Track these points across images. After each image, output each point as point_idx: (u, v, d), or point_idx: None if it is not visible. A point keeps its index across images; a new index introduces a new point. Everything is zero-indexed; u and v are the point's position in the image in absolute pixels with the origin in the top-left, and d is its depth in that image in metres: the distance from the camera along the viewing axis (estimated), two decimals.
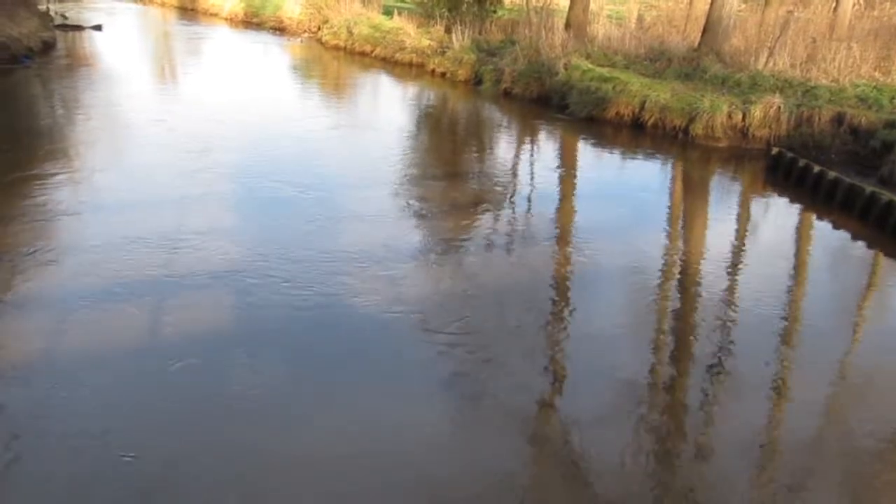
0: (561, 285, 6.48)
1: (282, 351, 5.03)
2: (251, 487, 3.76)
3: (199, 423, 4.26)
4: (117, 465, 3.87)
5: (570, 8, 16.30)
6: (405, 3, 22.97)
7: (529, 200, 8.80)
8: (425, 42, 17.43)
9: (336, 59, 19.32)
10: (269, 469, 3.88)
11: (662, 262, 7.01)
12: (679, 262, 7.04)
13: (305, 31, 22.53)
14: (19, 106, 13.74)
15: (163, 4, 32.05)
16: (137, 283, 5.82)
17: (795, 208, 9.15)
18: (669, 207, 8.99)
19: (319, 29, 21.60)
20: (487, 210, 8.21)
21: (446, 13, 18.16)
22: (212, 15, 27.96)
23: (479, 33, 17.13)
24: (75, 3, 27.18)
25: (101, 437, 4.05)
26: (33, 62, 16.59)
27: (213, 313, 5.47)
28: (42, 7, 21.82)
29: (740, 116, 11.17)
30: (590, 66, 13.50)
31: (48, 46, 18.47)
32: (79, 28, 22.96)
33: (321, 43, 20.88)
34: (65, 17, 23.15)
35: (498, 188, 9.27)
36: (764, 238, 8.12)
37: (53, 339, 5.07)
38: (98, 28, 23.18)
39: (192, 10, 29.62)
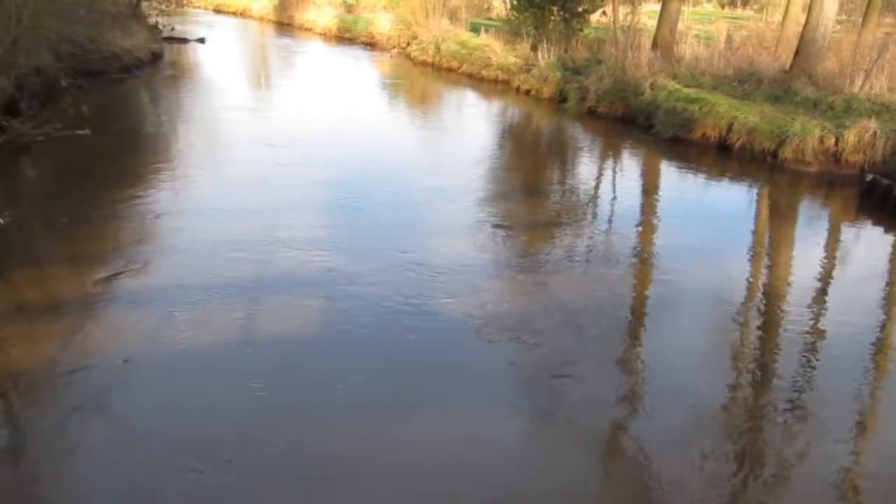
0: (640, 306, 6.59)
1: (363, 357, 5.26)
2: (328, 488, 3.98)
3: (278, 425, 4.48)
4: (194, 460, 4.14)
5: (658, 27, 16.30)
6: (492, 20, 23.40)
7: (611, 220, 8.93)
8: (511, 59, 17.76)
9: (423, 75, 19.89)
10: (342, 470, 4.09)
11: (746, 287, 7.01)
12: (763, 289, 7.03)
13: (395, 47, 23.28)
14: (129, 114, 14.78)
15: (261, 19, 33.64)
16: (231, 286, 6.22)
17: (889, 238, 8.92)
18: (755, 232, 8.94)
19: (408, 45, 22.29)
20: (568, 228, 8.39)
21: (533, 31, 18.44)
22: (307, 29, 29.18)
23: (565, 51, 17.32)
24: (181, 17, 28.75)
25: (186, 435, 4.36)
26: (142, 72, 17.72)
27: (301, 319, 5.78)
28: (151, 20, 23.27)
29: (833, 141, 10.94)
30: (676, 86, 13.48)
31: (156, 57, 19.69)
32: (184, 40, 24.39)
33: (410, 58, 21.53)
34: (172, 30, 24.62)
35: (580, 206, 9.43)
36: (854, 267, 7.96)
37: (152, 335, 5.45)
38: (201, 41, 24.59)
39: (288, 24, 31.00)
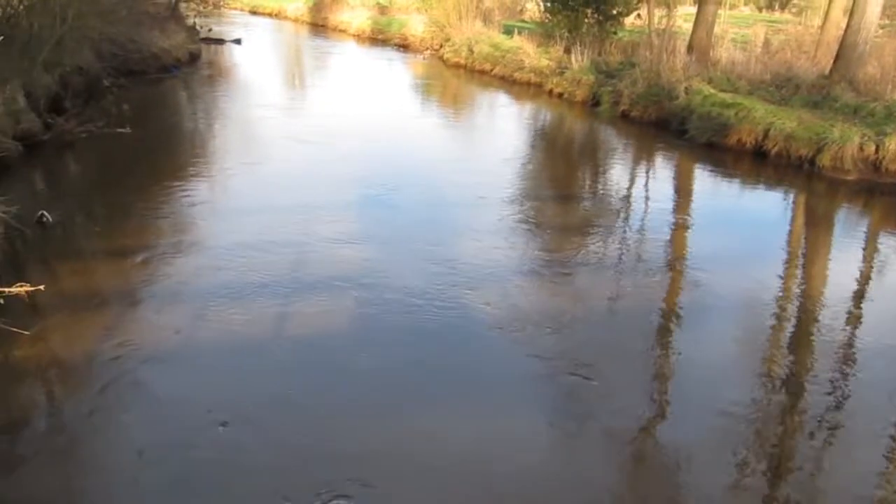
0: (671, 312, 6.54)
1: (392, 358, 5.37)
2: (354, 484, 4.07)
3: (307, 422, 4.59)
4: (232, 449, 4.31)
5: (694, 31, 16.11)
6: (525, 23, 23.37)
7: (643, 225, 8.87)
8: (544, 62, 17.72)
9: (456, 77, 19.96)
10: (370, 469, 4.17)
11: (779, 296, 6.92)
12: (797, 298, 6.93)
13: (428, 49, 23.37)
14: (168, 112, 15.11)
15: (296, 20, 34.02)
16: (266, 281, 6.43)
17: None
18: (790, 240, 8.81)
19: (441, 47, 22.36)
20: (600, 232, 8.36)
21: (566, 34, 18.38)
22: (341, 31, 29.44)
23: (599, 54, 17.23)
24: (217, 18, 29.25)
25: (220, 424, 4.52)
26: (181, 72, 18.10)
27: (333, 313, 5.94)
28: (189, 21, 23.68)
29: (873, 148, 10.73)
30: (711, 90, 13.34)
31: (194, 58, 20.10)
32: (220, 41, 24.81)
33: (442, 60, 21.60)
34: (209, 31, 25.05)
35: (611, 211, 9.40)
36: (892, 278, 7.82)
37: (188, 327, 5.67)
38: (238, 42, 24.98)
39: (322, 25, 31.31)
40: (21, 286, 5.35)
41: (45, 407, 4.91)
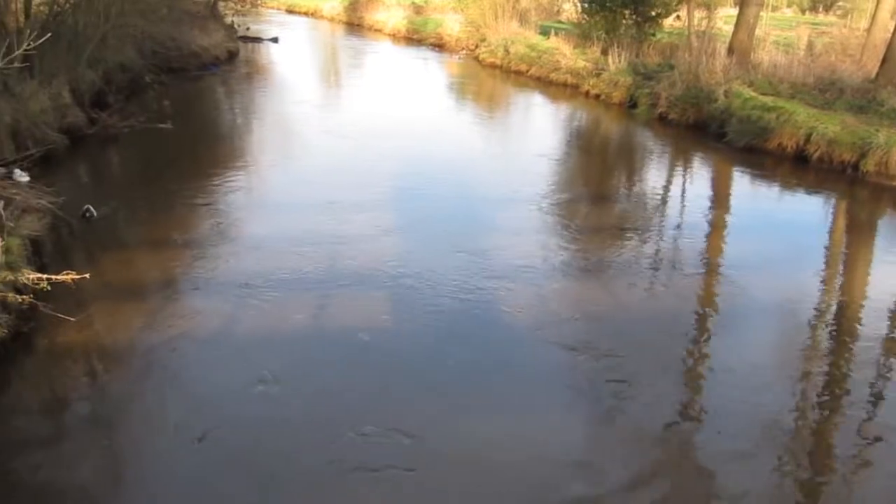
0: (706, 316, 6.46)
1: (425, 355, 5.43)
2: (391, 478, 4.13)
3: (344, 415, 4.66)
4: (271, 438, 4.39)
5: (734, 32, 15.86)
6: (562, 23, 23.24)
7: (678, 228, 8.74)
8: (581, 63, 17.60)
9: (492, 77, 19.93)
10: (408, 462, 4.24)
11: (818, 303, 6.76)
12: (837, 306, 6.77)
13: (463, 49, 23.37)
14: (207, 109, 15.40)
15: (332, 19, 34.30)
16: (302, 276, 6.53)
17: None
18: (830, 247, 8.61)
19: (477, 47, 22.34)
20: (634, 234, 8.27)
21: (603, 35, 18.23)
22: (376, 30, 29.58)
23: (637, 56, 17.05)
24: (255, 17, 29.66)
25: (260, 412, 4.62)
26: (219, 70, 18.40)
27: (368, 310, 6.00)
28: (228, 20, 24.12)
29: None
30: (752, 93, 13.11)
31: (232, 56, 20.43)
32: (258, 40, 25.17)
33: (478, 60, 21.58)
34: (247, 29, 25.44)
35: (646, 213, 9.30)
36: None
37: (227, 317, 5.81)
38: (275, 40, 25.29)
39: (358, 25, 31.51)
40: (67, 274, 5.62)
41: (88, 391, 5.04)
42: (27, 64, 9.21)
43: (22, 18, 10.64)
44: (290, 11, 38.63)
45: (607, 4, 18.36)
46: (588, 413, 4.90)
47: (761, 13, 17.28)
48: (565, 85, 17.64)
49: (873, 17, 16.21)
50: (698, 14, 16.75)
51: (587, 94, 16.65)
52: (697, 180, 11.48)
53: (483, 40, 22.01)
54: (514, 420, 4.72)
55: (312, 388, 4.96)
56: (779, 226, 9.09)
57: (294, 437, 4.44)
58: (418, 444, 4.40)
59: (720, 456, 4.48)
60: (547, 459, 4.35)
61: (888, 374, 5.54)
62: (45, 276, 5.64)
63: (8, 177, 7.86)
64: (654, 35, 18.47)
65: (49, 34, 7.90)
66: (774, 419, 4.84)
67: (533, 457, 4.35)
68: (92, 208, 7.81)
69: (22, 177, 8.00)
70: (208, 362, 5.23)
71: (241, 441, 4.37)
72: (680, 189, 10.74)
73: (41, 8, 11.64)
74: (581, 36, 19.23)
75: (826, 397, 5.25)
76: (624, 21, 18.30)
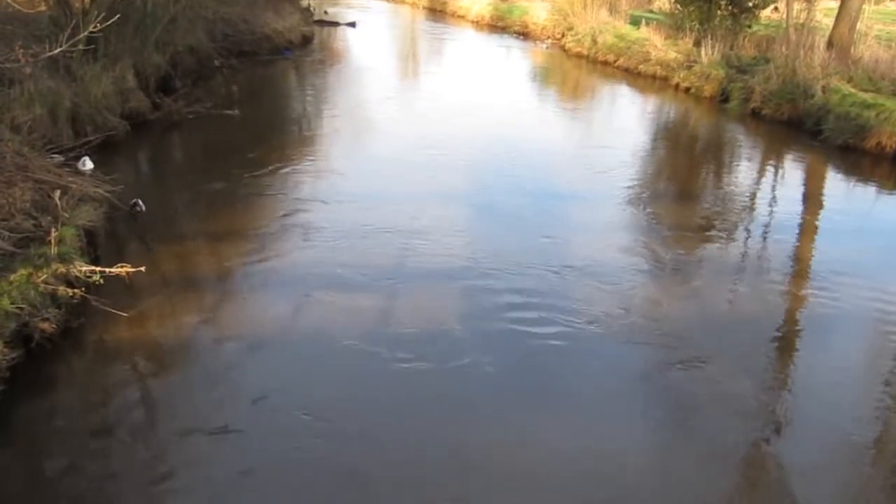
0: (793, 323, 6.45)
1: (498, 357, 5.35)
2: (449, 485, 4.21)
3: (404, 416, 4.68)
4: (327, 438, 4.41)
5: (835, 26, 15.38)
6: (653, 13, 22.91)
7: (768, 229, 8.69)
8: (671, 55, 17.39)
9: (578, 68, 19.85)
10: (467, 471, 4.29)
11: None
12: None
13: (549, 38, 23.31)
14: (277, 96, 15.07)
15: (413, 5, 34.32)
16: (368, 271, 6.45)
17: None
18: None
19: (563, 36, 22.24)
20: (721, 234, 8.27)
21: (697, 26, 17.93)
22: (459, 17, 29.61)
23: (731, 48, 16.72)
24: (332, 0, 29.27)
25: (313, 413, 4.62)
26: (292, 54, 17.80)
27: (435, 309, 5.90)
28: (304, 2, 23.24)
29: None
30: (851, 90, 12.79)
31: (306, 40, 19.65)
32: (335, 24, 24.43)
33: (564, 50, 21.49)
34: (324, 13, 24.67)
35: (735, 213, 9.24)
36: None
37: (286, 315, 5.72)
38: (352, 25, 24.67)
39: (440, 11, 31.57)
40: (121, 267, 5.43)
41: (138, 394, 4.90)
42: (92, 46, 8.86)
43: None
44: None
45: None
46: (662, 413, 4.94)
47: (864, 6, 16.65)
48: (654, 77, 17.47)
49: None
50: (797, 6, 16.25)
51: (677, 86, 16.46)
52: (790, 179, 11.33)
53: (570, 29, 21.89)
54: (589, 419, 4.74)
55: (378, 404, 4.77)
56: (874, 230, 8.93)
57: (366, 457, 4.30)
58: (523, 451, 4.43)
59: (794, 466, 4.46)
60: (617, 461, 4.40)
61: None
62: (98, 268, 5.40)
63: (69, 164, 7.65)
64: (749, 27, 18.02)
65: (117, 16, 7.58)
66: (855, 431, 4.82)
67: (606, 458, 4.41)
68: (141, 202, 7.49)
69: (87, 164, 7.81)
70: (262, 363, 5.07)
71: (291, 446, 4.31)
72: (771, 188, 10.65)
73: None
74: (673, 27, 18.91)
75: None
76: (719, 12, 17.93)
